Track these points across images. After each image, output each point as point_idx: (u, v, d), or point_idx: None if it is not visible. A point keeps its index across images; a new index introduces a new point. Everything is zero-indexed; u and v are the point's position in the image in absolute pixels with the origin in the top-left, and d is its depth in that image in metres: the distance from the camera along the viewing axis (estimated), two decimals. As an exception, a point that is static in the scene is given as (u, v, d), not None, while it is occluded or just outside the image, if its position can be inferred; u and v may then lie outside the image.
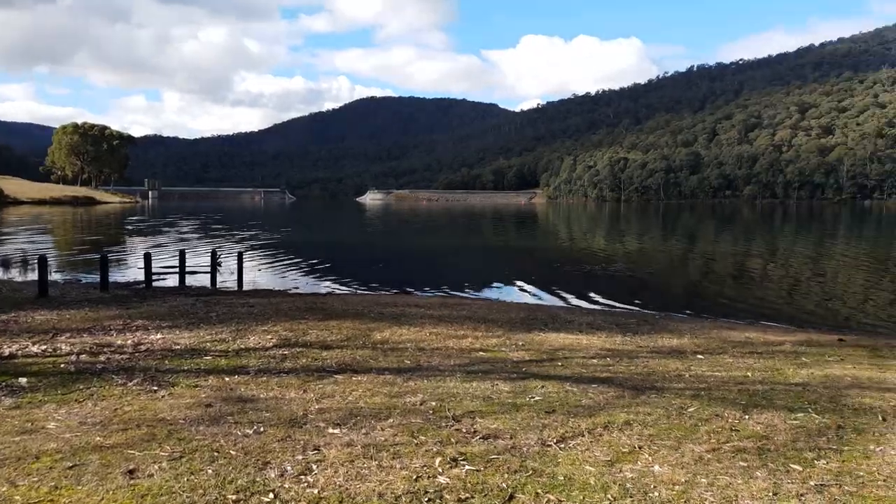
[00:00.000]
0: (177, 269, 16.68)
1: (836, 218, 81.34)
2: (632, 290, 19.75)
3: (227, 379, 7.18)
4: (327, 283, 19.55)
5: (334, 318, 10.98)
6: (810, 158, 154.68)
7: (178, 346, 8.73)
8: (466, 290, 18.06)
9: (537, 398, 6.69)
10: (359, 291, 17.07)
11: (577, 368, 8.10)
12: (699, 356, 9.00)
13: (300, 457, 4.49)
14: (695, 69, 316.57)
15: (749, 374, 7.94)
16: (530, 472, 4.30)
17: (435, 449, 4.71)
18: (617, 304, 16.15)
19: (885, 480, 4.24)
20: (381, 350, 8.82)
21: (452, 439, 4.98)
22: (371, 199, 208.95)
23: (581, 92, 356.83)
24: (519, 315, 12.33)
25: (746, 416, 6.11)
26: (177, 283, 16.23)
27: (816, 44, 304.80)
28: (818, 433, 5.52)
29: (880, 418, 5.86)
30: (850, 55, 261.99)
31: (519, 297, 17.77)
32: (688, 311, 15.58)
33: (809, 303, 17.97)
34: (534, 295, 18.01)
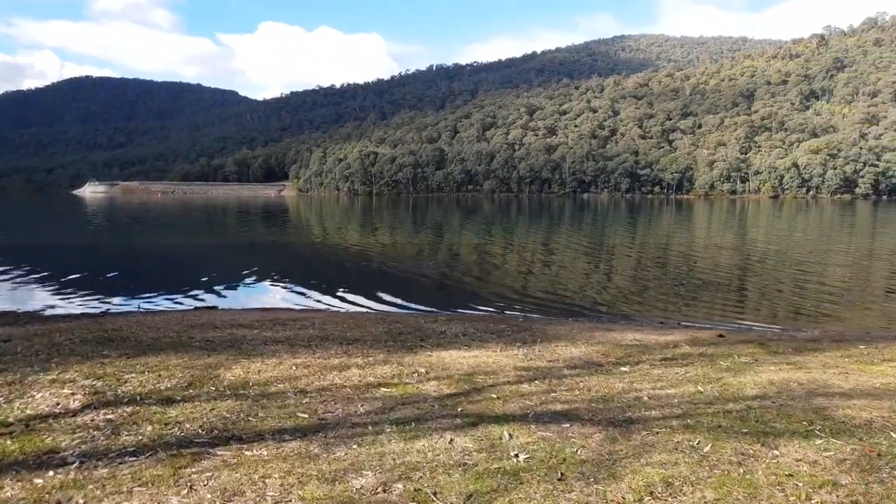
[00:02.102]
0: None
1: (561, 209, 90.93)
2: (429, 288, 18.79)
3: (34, 481, 4.23)
4: (76, 299, 15.29)
5: (150, 353, 7.89)
6: (539, 156, 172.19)
7: None
8: (259, 298, 15.45)
9: (524, 456, 5.07)
10: (146, 308, 13.30)
11: (519, 401, 6.48)
12: (622, 368, 7.95)
13: None
14: (434, 68, 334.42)
15: (699, 388, 7.05)
16: None
17: None
18: (421, 307, 14.96)
19: None
20: (251, 399, 6.24)
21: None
22: (91, 191, 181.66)
23: (325, 84, 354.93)
24: (378, 328, 10.27)
25: (776, 451, 5.21)
26: None
27: (538, 51, 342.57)
28: (870, 465, 4.80)
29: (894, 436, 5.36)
30: (566, 64, 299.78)
31: (331, 301, 15.67)
32: (518, 308, 14.92)
33: (605, 294, 18.54)
34: (344, 299, 16.02)
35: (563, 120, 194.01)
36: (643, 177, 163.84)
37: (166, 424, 5.48)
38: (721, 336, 10.08)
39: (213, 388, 6.58)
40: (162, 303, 14.72)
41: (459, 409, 6.16)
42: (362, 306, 15.18)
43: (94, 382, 6.64)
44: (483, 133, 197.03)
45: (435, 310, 14.49)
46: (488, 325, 10.80)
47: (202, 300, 15.50)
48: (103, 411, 5.78)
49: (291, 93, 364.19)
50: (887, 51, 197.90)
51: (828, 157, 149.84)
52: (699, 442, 5.35)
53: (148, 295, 16.25)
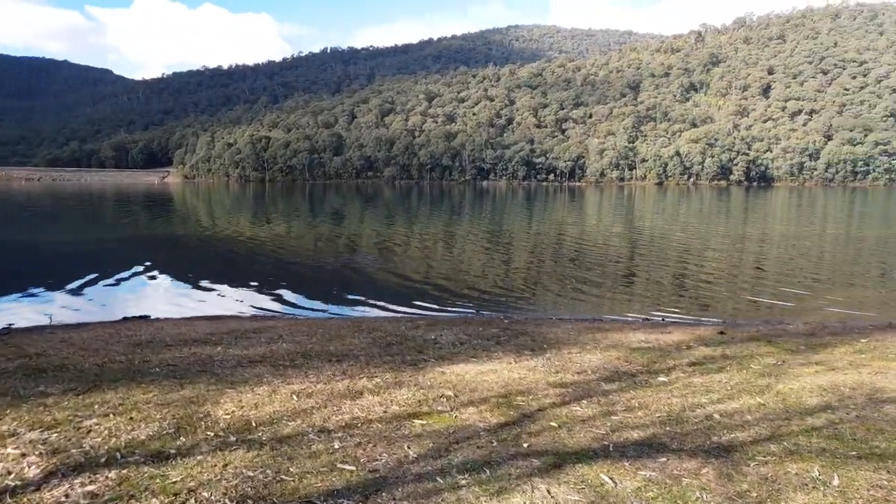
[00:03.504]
0: None
1: (463, 197, 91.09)
2: (378, 285, 17.65)
3: None
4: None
5: (104, 387, 6.30)
6: (439, 143, 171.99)
7: None
8: (184, 304, 13.75)
9: (653, 512, 4.14)
10: (61, 322, 11.18)
11: (584, 428, 5.59)
12: (660, 378, 7.24)
13: None
14: (329, 51, 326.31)
15: (759, 400, 6.44)
16: None
17: None
18: (386, 308, 13.90)
19: None
20: (268, 447, 4.96)
21: None
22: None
23: (212, 65, 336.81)
24: (360, 339, 9.03)
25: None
26: None
27: (435, 38, 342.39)
28: None
29: None
30: (462, 51, 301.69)
31: (274, 305, 14.19)
32: (480, 304, 14.11)
33: (562, 287, 18.09)
34: (289, 302, 14.58)
35: (461, 107, 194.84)
36: (539, 165, 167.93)
37: (176, 496, 4.12)
38: (722, 333, 9.66)
39: (212, 434, 5.20)
40: (68, 313, 12.61)
41: (526, 446, 5.17)
42: (312, 309, 13.76)
43: (45, 436, 5.07)
44: (382, 119, 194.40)
45: (403, 311, 13.35)
46: (478, 330, 9.82)
47: (115, 306, 13.49)
48: (78, 480, 4.31)
49: (174, 73, 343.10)
50: (755, 48, 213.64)
51: (706, 147, 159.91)
52: (820, 473, 4.68)
53: (43, 302, 13.97)
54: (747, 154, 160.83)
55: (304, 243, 28.76)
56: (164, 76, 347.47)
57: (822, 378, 7.12)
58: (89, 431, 5.19)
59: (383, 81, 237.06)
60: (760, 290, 17.16)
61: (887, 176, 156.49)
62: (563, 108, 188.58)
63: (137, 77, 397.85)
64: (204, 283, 16.98)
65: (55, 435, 5.09)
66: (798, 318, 12.71)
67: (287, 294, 15.53)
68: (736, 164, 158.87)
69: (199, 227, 39.22)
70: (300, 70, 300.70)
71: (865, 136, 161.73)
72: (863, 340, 9.15)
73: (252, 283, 16.88)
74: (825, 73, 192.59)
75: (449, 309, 13.81)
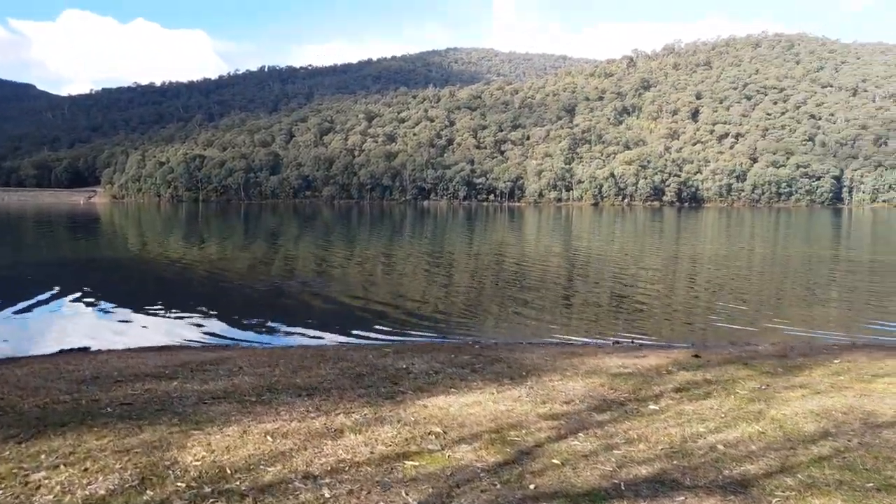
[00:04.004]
0: None
1: (404, 216, 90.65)
2: (333, 310, 17.04)
3: None
4: None
5: (50, 432, 5.56)
6: (379, 163, 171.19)
7: None
8: (125, 332, 12.83)
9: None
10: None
11: (589, 466, 5.27)
12: (650, 406, 6.99)
13: None
14: (267, 70, 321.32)
15: (756, 428, 6.27)
16: None
17: None
18: (346, 335, 13.34)
19: None
20: (251, 500, 4.38)
21: None
22: None
23: (144, 81, 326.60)
24: (327, 369, 8.46)
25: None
26: None
27: (374, 59, 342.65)
28: None
29: None
30: (402, 72, 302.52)
31: (227, 332, 13.42)
32: (423, 336, 13.73)
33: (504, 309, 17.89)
34: (242, 331, 13.82)
35: (402, 127, 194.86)
36: (479, 185, 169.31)
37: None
38: (697, 356, 9.54)
39: (183, 485, 4.58)
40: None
41: (532, 487, 4.78)
42: (266, 337, 13.03)
43: (-17, 495, 4.36)
44: (321, 138, 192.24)
45: (362, 338, 12.78)
46: (450, 357, 9.39)
47: (47, 338, 12.41)
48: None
49: (103, 89, 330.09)
50: (683, 74, 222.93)
51: (639, 168, 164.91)
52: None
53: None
54: (678, 176, 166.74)
55: (243, 266, 27.67)
56: (93, 92, 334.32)
57: (811, 402, 7.02)
58: (38, 487, 4.49)
59: (322, 100, 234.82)
60: (709, 310, 17.39)
61: (808, 197, 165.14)
62: (501, 130, 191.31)
63: (63, 93, 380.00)
64: (142, 311, 15.92)
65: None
66: (762, 338, 12.83)
67: (234, 321, 14.71)
68: (668, 186, 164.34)
69: (129, 249, 37.35)
70: (237, 88, 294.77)
71: (787, 158, 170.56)
72: (835, 361, 9.19)
73: (195, 310, 15.95)
74: (749, 98, 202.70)
75: (410, 333, 13.34)
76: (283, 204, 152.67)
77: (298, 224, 68.19)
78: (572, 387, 7.76)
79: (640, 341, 12.39)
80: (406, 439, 5.76)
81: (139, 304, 16.59)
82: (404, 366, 8.71)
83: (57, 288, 19.30)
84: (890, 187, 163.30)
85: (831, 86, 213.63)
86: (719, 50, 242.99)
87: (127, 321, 14.65)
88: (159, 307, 16.39)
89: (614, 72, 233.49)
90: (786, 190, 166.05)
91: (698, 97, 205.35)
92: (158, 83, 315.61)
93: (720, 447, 5.67)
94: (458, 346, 10.64)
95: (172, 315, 15.42)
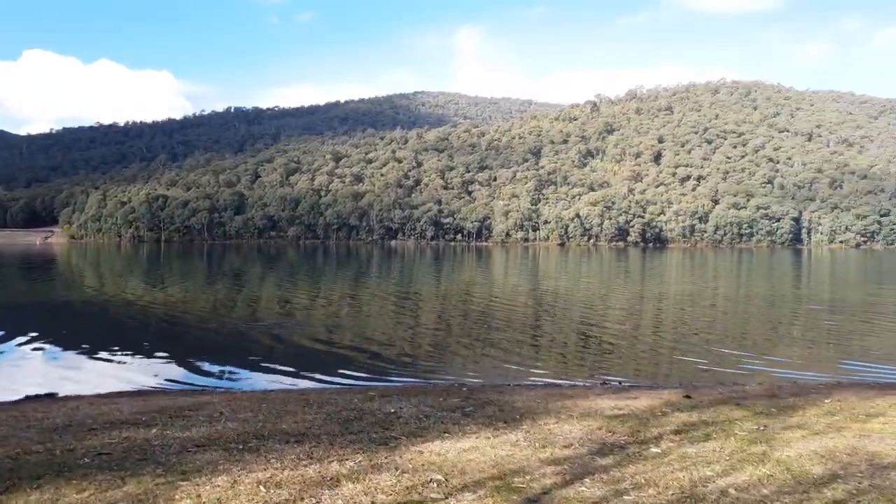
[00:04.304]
0: None
1: (370, 257, 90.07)
2: (309, 353, 16.64)
3: None
4: None
5: (25, 485, 5.15)
6: (346, 202, 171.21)
7: None
8: (89, 378, 12.29)
9: None
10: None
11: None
12: (652, 450, 6.81)
13: None
14: (233, 111, 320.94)
15: (764, 471, 6.12)
16: None
17: None
18: (326, 378, 13.00)
19: None
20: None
21: None
22: None
23: (107, 121, 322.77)
24: (313, 414, 8.11)
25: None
26: None
27: (342, 101, 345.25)
28: None
29: None
30: (369, 114, 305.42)
31: (194, 378, 12.93)
32: (400, 378, 13.46)
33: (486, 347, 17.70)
34: (217, 375, 13.36)
35: (369, 168, 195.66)
36: (446, 225, 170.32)
37: None
38: (688, 397, 9.44)
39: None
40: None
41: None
42: (241, 380, 12.58)
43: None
44: (287, 178, 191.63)
45: (342, 381, 12.41)
46: (438, 401, 9.11)
47: (9, 384, 11.75)
48: None
49: (64, 129, 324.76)
50: (646, 118, 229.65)
51: (604, 209, 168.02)
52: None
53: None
54: (642, 216, 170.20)
55: (207, 308, 26.95)
56: (53, 131, 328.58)
57: (812, 444, 6.93)
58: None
59: (289, 141, 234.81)
60: (688, 350, 17.44)
61: (769, 238, 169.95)
62: (468, 171, 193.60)
63: (23, 132, 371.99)
64: (105, 354, 15.26)
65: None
66: (747, 379, 12.84)
67: (203, 364, 14.18)
68: (632, 226, 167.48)
69: (88, 291, 36.19)
70: (202, 128, 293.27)
71: (748, 200, 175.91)
72: (827, 401, 9.17)
73: (160, 354, 15.34)
74: (709, 142, 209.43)
75: (387, 376, 13.01)
76: (247, 244, 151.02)
77: (263, 264, 67.23)
78: (569, 430, 7.56)
79: (628, 382, 12.27)
80: (407, 488, 5.47)
81: (101, 348, 15.90)
82: (393, 410, 8.41)
83: (11, 331, 18.46)
84: (846, 229, 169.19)
85: (788, 131, 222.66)
86: (680, 96, 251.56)
87: (90, 366, 14.01)
88: (125, 351, 15.73)
89: (578, 116, 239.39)
90: (747, 231, 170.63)
91: (660, 141, 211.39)
92: (122, 123, 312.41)
93: (731, 491, 5.51)
94: (445, 388, 10.36)
95: (138, 359, 14.80)
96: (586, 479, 5.79)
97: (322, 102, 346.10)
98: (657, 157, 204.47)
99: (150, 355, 15.14)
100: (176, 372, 13.21)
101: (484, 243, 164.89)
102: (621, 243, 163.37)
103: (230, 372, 13.38)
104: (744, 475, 5.92)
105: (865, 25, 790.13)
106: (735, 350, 17.02)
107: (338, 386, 11.52)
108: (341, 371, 13.42)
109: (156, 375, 12.69)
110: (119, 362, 14.39)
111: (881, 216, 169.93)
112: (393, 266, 66.37)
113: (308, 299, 30.87)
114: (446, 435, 7.28)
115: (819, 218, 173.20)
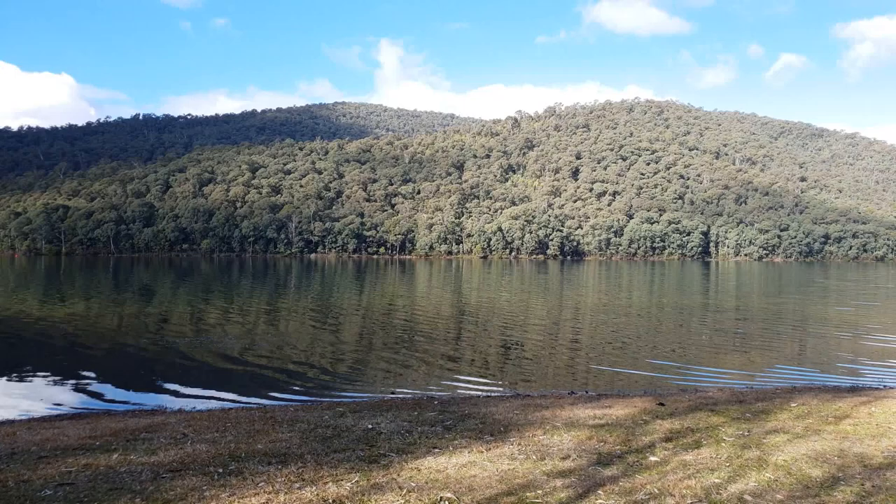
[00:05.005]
0: None
1: (289, 269, 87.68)
2: (264, 371, 15.79)
3: None
4: None
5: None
6: (263, 215, 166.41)
7: None
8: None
9: None
10: None
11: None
12: (651, 458, 6.70)
13: None
14: (142, 118, 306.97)
15: (766, 475, 6.14)
16: None
17: None
18: (289, 396, 12.36)
19: None
20: None
21: None
22: None
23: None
24: (287, 433, 7.52)
25: None
26: None
27: (259, 110, 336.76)
28: None
29: None
30: (287, 124, 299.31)
31: (132, 396, 11.95)
32: (356, 394, 13.02)
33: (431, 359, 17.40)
34: (164, 393, 12.39)
35: (287, 179, 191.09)
36: (369, 238, 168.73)
37: None
38: (662, 405, 9.45)
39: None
40: None
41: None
42: (173, 398, 11.68)
43: None
44: (200, 189, 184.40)
45: (294, 398, 11.74)
46: (413, 415, 8.68)
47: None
48: None
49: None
50: (565, 135, 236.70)
51: (525, 223, 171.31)
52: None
53: None
54: (561, 230, 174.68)
55: (115, 324, 25.19)
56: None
57: (800, 447, 7.01)
58: None
59: (202, 150, 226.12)
60: (606, 357, 17.73)
61: (680, 251, 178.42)
62: (392, 184, 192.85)
63: None
64: (16, 375, 13.90)
65: None
66: (710, 385, 13.10)
67: (137, 383, 13.13)
68: (552, 240, 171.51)
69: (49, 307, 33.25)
70: (107, 136, 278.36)
71: (660, 215, 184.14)
72: (793, 405, 9.38)
73: (82, 373, 14.09)
74: (624, 159, 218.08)
75: (343, 391, 12.44)
76: (156, 257, 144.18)
77: (175, 278, 63.99)
78: (559, 441, 7.35)
79: (594, 392, 12.23)
80: (419, 510, 5.08)
81: (6, 369, 14.49)
82: (371, 426, 7.94)
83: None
84: (750, 242, 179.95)
85: (697, 149, 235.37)
86: (597, 113, 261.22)
87: (4, 387, 12.67)
88: (37, 372, 14.32)
89: (500, 131, 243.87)
90: (659, 244, 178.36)
91: (578, 157, 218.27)
92: (15, 128, 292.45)
93: (748, 498, 5.43)
94: (415, 402, 9.92)
95: (55, 380, 13.48)
96: (600, 492, 5.57)
97: (238, 111, 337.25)
98: (575, 173, 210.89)
99: (68, 375, 13.85)
100: (107, 391, 12.11)
101: (407, 256, 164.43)
102: (541, 256, 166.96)
103: (164, 389, 12.40)
104: (751, 481, 5.88)
105: (767, 51, 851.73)
106: (684, 359, 17.44)
107: (298, 402, 10.85)
108: (281, 387, 12.74)
109: (84, 396, 11.59)
110: (32, 383, 13.07)
111: (781, 230, 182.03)
112: (313, 279, 64.63)
113: (221, 314, 29.47)
114: (436, 450, 6.90)
115: (726, 232, 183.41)
